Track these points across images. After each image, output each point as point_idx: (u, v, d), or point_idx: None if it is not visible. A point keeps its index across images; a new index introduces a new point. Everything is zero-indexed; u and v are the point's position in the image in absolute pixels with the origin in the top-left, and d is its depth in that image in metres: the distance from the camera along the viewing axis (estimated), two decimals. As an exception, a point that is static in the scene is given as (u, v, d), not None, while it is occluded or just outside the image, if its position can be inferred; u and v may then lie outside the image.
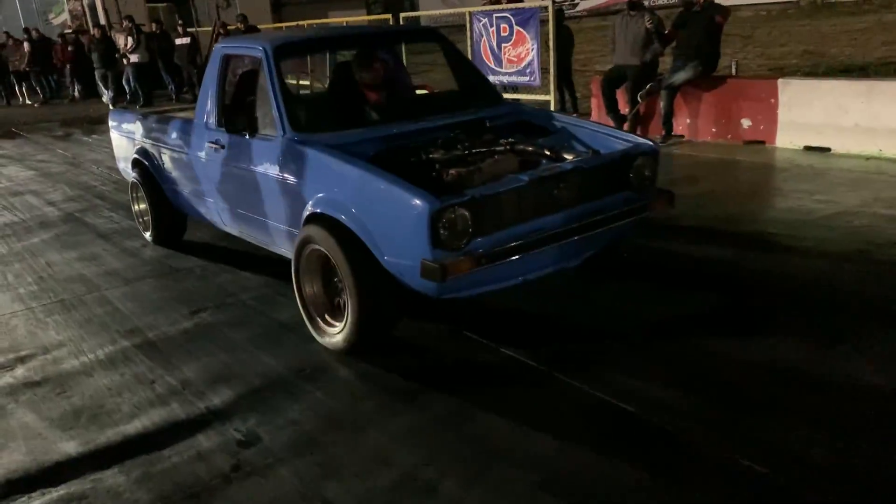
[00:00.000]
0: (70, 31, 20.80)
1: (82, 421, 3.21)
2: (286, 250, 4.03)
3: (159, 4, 23.30)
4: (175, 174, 5.08)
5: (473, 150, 3.68)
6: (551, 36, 8.98)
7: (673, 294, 4.07)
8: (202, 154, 4.56)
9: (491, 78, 9.95)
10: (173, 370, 3.62)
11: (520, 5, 9.36)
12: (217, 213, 4.72)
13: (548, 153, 3.71)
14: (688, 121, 8.02)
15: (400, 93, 4.67)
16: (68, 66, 17.99)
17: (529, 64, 9.30)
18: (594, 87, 9.18)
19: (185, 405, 3.28)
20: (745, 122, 7.51)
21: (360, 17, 21.08)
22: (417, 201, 3.05)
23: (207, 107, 4.54)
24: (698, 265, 4.46)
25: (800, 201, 5.45)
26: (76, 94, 18.23)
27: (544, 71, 9.32)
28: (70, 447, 3.02)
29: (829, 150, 6.84)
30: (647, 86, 7.88)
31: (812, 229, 4.84)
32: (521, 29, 9.31)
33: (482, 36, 9.90)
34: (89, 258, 5.48)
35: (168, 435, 3.06)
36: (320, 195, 3.54)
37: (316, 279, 3.72)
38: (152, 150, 5.33)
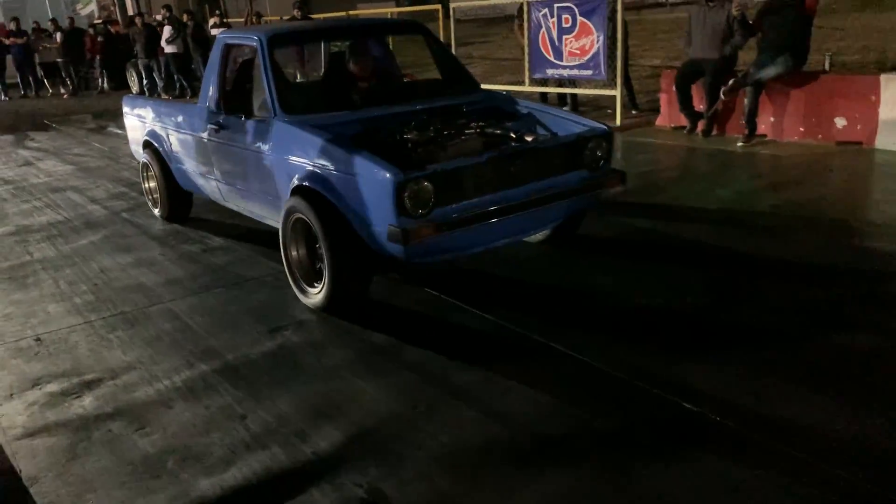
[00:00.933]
0: (100, 21, 20.46)
1: (170, 466, 2.74)
2: (275, 221, 4.27)
3: (188, -5, 22.89)
4: (181, 154, 5.41)
5: (444, 132, 4.00)
6: (619, 27, 8.42)
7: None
8: (204, 135, 4.89)
9: (549, 71, 9.45)
10: (264, 402, 3.14)
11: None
12: (218, 189, 5.06)
13: (512, 135, 4.01)
14: (772, 119, 7.45)
15: (386, 80, 5.02)
16: (98, 58, 17.65)
17: (594, 57, 8.74)
18: (664, 83, 8.63)
19: (287, 449, 2.79)
20: (840, 122, 6.94)
21: (387, 10, 20.47)
22: (385, 174, 3.42)
23: (210, 92, 4.88)
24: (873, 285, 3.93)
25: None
26: (105, 85, 17.88)
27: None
28: (161, 501, 2.55)
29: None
30: (731, 81, 7.33)
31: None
32: (585, 20, 8.75)
33: (541, 27, 9.35)
34: (146, 263, 5.02)
35: (275, 488, 2.58)
36: (303, 169, 3.91)
37: (300, 245, 4.09)
38: (161, 133, 5.65)
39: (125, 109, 6.36)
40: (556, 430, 2.79)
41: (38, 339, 3.93)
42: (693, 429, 2.75)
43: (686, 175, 6.43)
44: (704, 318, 3.64)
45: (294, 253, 4.11)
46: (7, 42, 17.29)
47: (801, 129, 7.24)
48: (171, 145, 5.51)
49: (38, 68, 18.04)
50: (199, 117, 4.97)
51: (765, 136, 7.48)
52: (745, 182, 6.05)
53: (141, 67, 15.95)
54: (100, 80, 18.07)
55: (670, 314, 3.71)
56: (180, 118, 5.30)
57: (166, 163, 5.63)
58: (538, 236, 4.59)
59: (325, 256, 3.78)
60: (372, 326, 3.77)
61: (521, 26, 9.77)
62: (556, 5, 9.06)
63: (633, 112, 9.48)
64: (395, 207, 3.40)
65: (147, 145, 5.85)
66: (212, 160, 4.93)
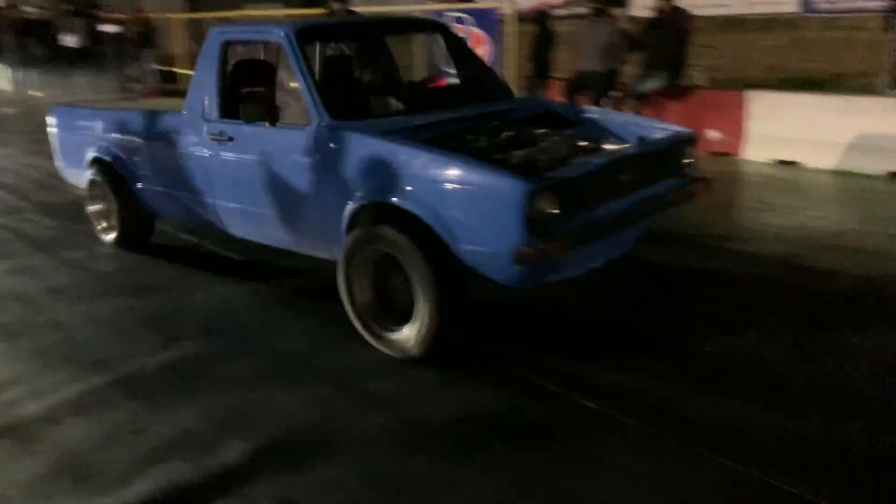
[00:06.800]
0: None
1: (63, 486, 2.59)
2: (324, 250, 3.75)
3: None
4: (152, 171, 4.56)
5: (517, 139, 3.54)
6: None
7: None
8: (198, 148, 4.13)
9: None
10: (163, 416, 3.01)
11: (473, 5, 8.99)
12: (216, 211, 4.21)
13: (584, 143, 3.62)
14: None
15: (412, 85, 4.79)
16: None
17: (486, 66, 8.93)
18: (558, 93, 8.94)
19: (194, 462, 2.70)
20: (713, 134, 7.46)
21: (273, 11, 19.51)
22: (510, 183, 2.86)
23: (204, 99, 4.10)
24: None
25: (794, 216, 5.38)
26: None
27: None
28: (54, 525, 2.41)
29: (795, 163, 6.91)
30: (612, 93, 7.72)
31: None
32: (477, 30, 8.96)
33: (433, 35, 9.45)
34: (23, 271, 4.71)
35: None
36: (375, 185, 3.27)
37: (368, 281, 3.41)
38: (116, 147, 4.75)
39: (50, 121, 5.37)
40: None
41: None
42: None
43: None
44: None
45: (360, 291, 3.42)
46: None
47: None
48: (134, 161, 4.65)
49: None
50: (188, 127, 4.18)
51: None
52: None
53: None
54: None
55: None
56: (154, 128, 4.46)
57: (125, 182, 4.75)
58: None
59: (420, 291, 3.12)
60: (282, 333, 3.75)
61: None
62: (446, 14, 9.19)
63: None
64: (522, 223, 2.83)
65: (96, 162, 4.91)
66: (211, 178, 4.12)
